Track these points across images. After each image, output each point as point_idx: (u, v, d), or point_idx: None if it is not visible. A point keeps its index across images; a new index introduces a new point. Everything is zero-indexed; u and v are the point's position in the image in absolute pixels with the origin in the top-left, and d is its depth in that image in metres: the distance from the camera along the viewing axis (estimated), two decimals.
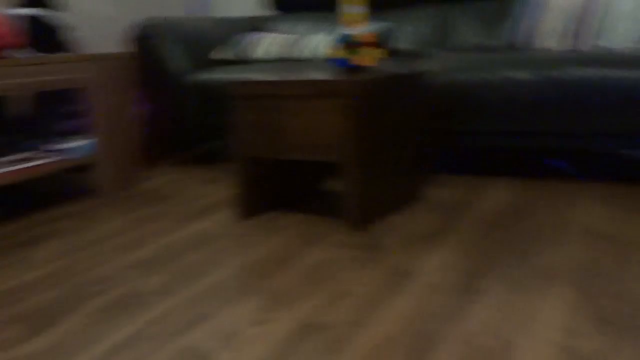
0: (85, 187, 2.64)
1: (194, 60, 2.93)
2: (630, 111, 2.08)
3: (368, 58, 2.01)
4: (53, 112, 2.69)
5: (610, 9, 2.50)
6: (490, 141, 2.34)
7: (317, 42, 2.92)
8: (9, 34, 2.27)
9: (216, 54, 3.04)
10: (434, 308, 1.26)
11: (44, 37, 2.47)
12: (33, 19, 2.43)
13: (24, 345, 1.20)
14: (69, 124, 2.70)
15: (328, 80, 1.77)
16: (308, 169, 2.28)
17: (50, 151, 2.37)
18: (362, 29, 2.00)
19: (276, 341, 1.16)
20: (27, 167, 2.19)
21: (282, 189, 2.15)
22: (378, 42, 2.58)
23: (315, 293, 1.37)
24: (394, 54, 2.94)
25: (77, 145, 2.41)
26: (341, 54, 2.01)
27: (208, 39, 3.07)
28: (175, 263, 1.62)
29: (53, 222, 2.08)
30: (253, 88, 1.91)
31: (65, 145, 2.41)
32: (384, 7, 3.23)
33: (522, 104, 2.21)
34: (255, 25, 3.44)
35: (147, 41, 2.86)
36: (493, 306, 1.26)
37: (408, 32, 3.08)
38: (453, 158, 2.86)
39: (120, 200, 2.35)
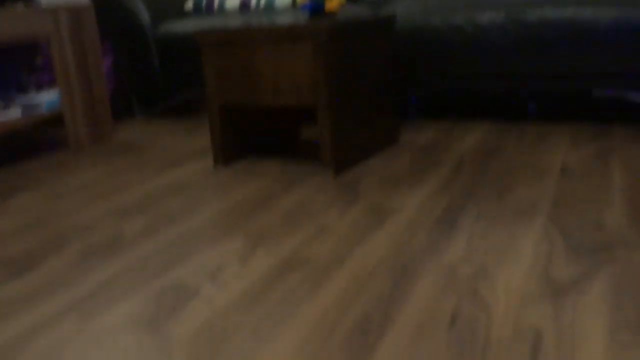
0: (58, 141, 2.60)
1: (160, 12, 2.87)
2: (596, 51, 2.11)
3: (334, 3, 2.00)
4: (17, 66, 2.62)
5: None
6: (458, 85, 2.36)
7: None
8: None
9: (184, 5, 2.98)
10: (414, 242, 1.30)
11: None
12: None
13: (4, 288, 1.20)
14: (34, 78, 2.64)
15: (297, 25, 1.76)
16: (285, 116, 2.28)
17: (17, 105, 2.32)
18: None
19: (260, 276, 1.18)
20: None
21: (259, 136, 2.15)
22: None
23: (296, 232, 1.39)
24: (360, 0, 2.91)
25: (43, 99, 2.37)
26: None
27: None
28: (155, 208, 1.62)
29: (28, 174, 2.05)
30: (223, 36, 1.88)
31: (31, 100, 2.36)
32: None
33: (489, 46, 2.23)
34: None
35: None
36: (472, 239, 1.29)
37: None
38: (428, 103, 2.87)
39: (95, 152, 2.33)
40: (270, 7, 2.84)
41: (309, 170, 1.89)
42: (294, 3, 2.83)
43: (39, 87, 2.64)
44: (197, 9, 2.96)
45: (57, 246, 1.40)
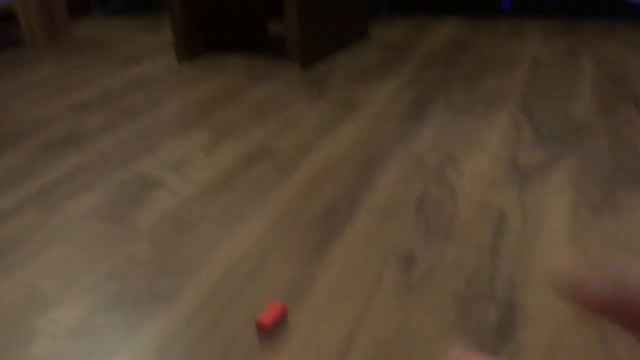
0: (13, 39, 2.47)
1: None
2: None
3: None
4: None
5: None
6: None
7: None
8: None
9: None
10: (382, 133, 1.28)
11: None
12: None
13: None
14: None
15: None
16: (251, 10, 2.19)
17: None
18: None
19: (227, 166, 1.16)
20: None
21: (224, 31, 2.07)
22: None
23: (264, 124, 1.37)
24: None
25: None
26: None
27: None
28: (117, 103, 1.57)
29: None
30: None
31: None
32: None
33: None
34: None
35: None
36: (440, 128, 1.29)
37: None
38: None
39: (53, 49, 2.22)
40: None
41: (275, 64, 1.84)
42: None
43: None
44: None
45: (16, 141, 1.35)
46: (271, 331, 0.69)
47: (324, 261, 0.84)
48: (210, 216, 0.97)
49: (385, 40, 2.07)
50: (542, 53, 1.81)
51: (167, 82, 1.73)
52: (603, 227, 0.88)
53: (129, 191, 1.08)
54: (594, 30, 2.04)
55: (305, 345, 0.68)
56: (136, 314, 0.75)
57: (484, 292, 0.76)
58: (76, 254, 0.89)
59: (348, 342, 0.68)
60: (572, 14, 2.34)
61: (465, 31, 2.15)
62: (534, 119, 1.31)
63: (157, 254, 0.88)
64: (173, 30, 1.89)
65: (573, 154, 1.13)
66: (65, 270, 0.85)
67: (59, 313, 0.75)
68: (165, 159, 1.21)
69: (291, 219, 0.95)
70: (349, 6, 1.97)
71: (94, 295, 0.79)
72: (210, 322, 0.72)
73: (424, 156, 1.16)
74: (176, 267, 0.84)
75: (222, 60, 1.93)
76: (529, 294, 0.75)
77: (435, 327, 0.70)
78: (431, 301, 0.74)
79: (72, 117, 1.48)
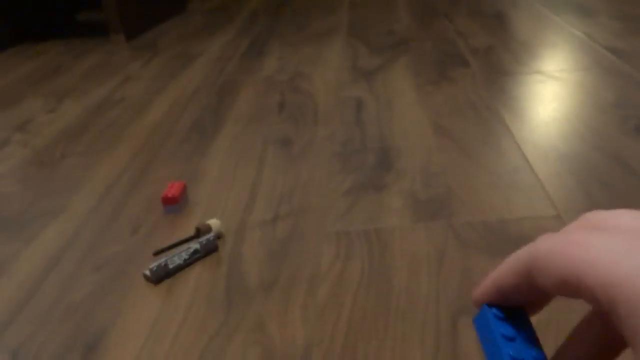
0: None
1: None
2: None
3: None
4: None
5: None
6: None
7: None
8: None
9: None
10: (228, 69, 1.37)
11: None
12: None
13: None
14: None
15: None
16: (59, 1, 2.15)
17: None
18: None
19: (76, 118, 1.18)
20: None
21: (32, 19, 2.02)
22: None
23: (103, 84, 1.39)
24: None
25: None
26: None
27: None
28: None
29: None
30: None
31: None
32: None
33: None
34: None
35: None
36: (283, 58, 1.40)
37: None
38: None
39: None
40: None
41: (95, 42, 1.84)
42: None
43: None
44: None
45: None
46: (176, 203, 0.74)
47: (206, 156, 0.91)
48: (75, 153, 0.99)
49: (205, 9, 2.16)
50: None
51: None
52: (443, 92, 1.06)
53: None
54: None
55: (209, 212, 0.75)
56: (26, 228, 0.76)
57: (359, 148, 0.88)
58: None
59: (250, 200, 0.76)
60: None
61: None
62: (365, 39, 1.48)
63: (31, 184, 0.88)
64: None
65: (405, 55, 1.31)
66: None
67: None
68: (8, 122, 1.19)
69: (162, 137, 1.00)
70: None
71: None
72: (114, 210, 0.76)
73: (274, 77, 1.26)
74: (56, 188, 0.86)
75: (33, 47, 1.88)
76: (397, 140, 0.88)
77: (324, 175, 0.81)
78: (315, 162, 0.85)
79: None
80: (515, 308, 0.24)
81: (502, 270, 0.23)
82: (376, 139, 0.90)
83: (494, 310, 0.24)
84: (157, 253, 0.66)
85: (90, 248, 0.70)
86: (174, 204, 0.74)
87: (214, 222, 0.68)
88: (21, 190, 0.87)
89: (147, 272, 0.62)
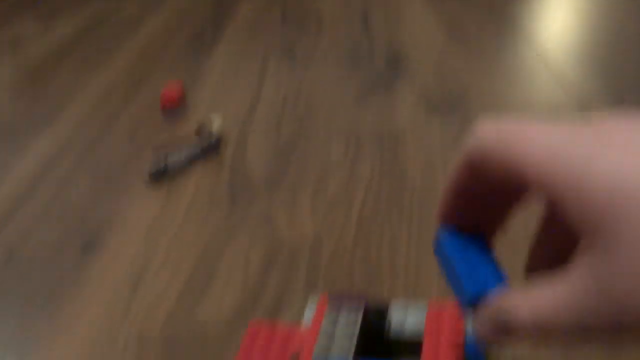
0: None
1: None
2: None
3: None
4: None
5: None
6: None
7: None
8: None
9: None
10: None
11: None
12: None
13: None
14: None
15: None
16: None
17: None
18: None
19: (64, 35, 1.13)
20: None
21: None
22: None
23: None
24: None
25: None
26: None
27: None
28: None
29: None
30: None
31: None
32: None
33: None
34: None
35: None
36: None
37: None
38: None
39: None
40: None
41: None
42: None
43: None
44: None
45: None
46: (175, 107, 0.71)
47: (208, 61, 0.87)
48: (69, 66, 0.96)
49: None
50: None
51: None
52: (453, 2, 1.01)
53: None
54: None
55: (210, 110, 0.72)
56: (18, 137, 0.73)
57: (368, 54, 0.84)
58: None
59: (252, 105, 0.73)
60: None
61: None
62: None
63: (23, 97, 0.85)
64: None
65: None
66: None
67: None
68: None
69: (157, 48, 0.97)
70: None
71: None
72: (110, 117, 0.73)
73: None
74: (49, 100, 0.83)
75: None
76: (406, 48, 0.85)
77: (331, 79, 0.77)
78: (322, 68, 0.81)
79: None
80: (475, 234, 0.23)
81: (453, 173, 0.22)
82: (384, 46, 0.86)
83: (453, 233, 0.23)
84: (157, 148, 0.63)
85: (86, 152, 0.67)
86: (173, 102, 0.71)
87: (215, 117, 0.65)
88: (13, 103, 0.84)
89: (147, 170, 0.59)
